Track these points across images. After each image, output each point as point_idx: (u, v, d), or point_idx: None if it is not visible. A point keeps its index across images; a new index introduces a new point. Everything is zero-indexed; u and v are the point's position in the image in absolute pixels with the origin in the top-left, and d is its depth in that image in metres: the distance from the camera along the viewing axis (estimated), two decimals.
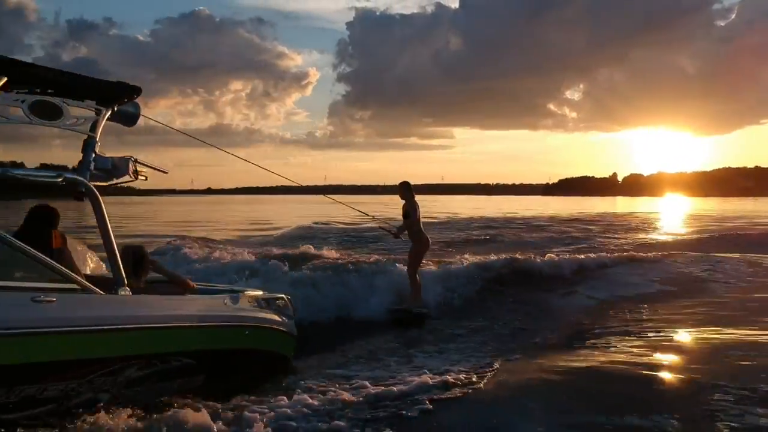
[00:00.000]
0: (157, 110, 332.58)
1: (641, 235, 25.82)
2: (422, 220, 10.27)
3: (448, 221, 34.30)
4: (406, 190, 10.02)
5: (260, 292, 6.47)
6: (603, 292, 11.45)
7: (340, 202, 10.97)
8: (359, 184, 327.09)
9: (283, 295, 6.84)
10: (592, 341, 7.75)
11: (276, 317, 6.48)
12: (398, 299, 10.23)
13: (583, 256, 14.63)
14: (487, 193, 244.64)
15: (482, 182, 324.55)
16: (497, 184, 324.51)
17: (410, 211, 9.92)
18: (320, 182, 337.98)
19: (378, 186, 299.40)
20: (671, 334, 7.85)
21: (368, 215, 11.29)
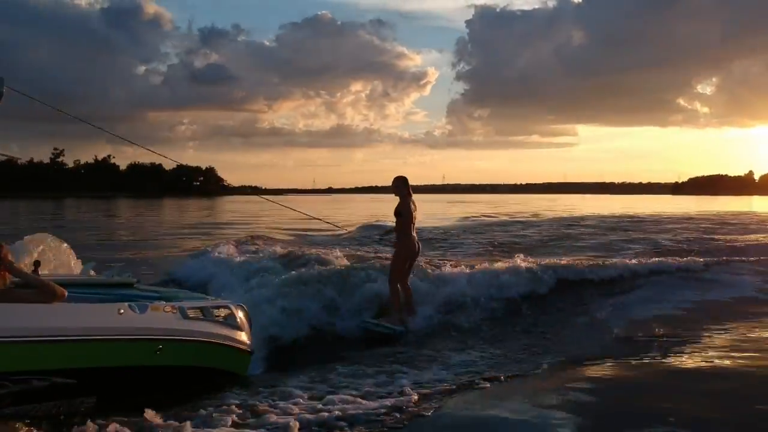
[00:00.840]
0: (281, 112, 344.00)
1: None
2: (417, 225, 8.99)
3: (538, 220, 32.53)
4: (402, 186, 8.80)
5: (196, 301, 5.68)
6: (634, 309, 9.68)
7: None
8: (478, 183, 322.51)
9: (229, 304, 6.01)
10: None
11: (215, 329, 5.67)
12: (380, 312, 8.91)
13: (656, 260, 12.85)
14: (611, 192, 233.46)
15: (606, 181, 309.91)
16: (622, 183, 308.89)
17: (403, 210, 8.73)
18: (438, 182, 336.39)
19: (498, 185, 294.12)
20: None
21: (337, 226, 10.25)
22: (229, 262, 11.49)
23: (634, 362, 6.69)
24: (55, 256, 7.50)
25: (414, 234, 8.85)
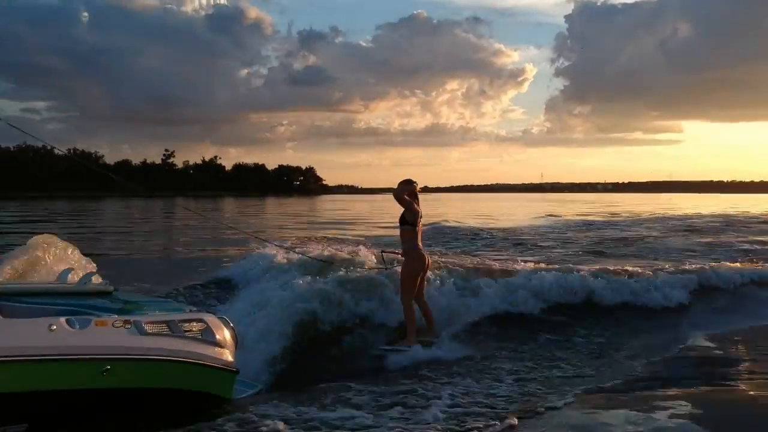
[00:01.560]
0: (377, 112, 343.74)
1: None
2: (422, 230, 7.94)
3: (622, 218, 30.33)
4: (408, 189, 7.62)
5: (159, 315, 5.00)
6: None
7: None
8: (578, 181, 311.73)
9: (204, 317, 5.30)
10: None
11: (183, 346, 4.98)
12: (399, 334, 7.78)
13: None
14: (720, 191, 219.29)
15: (715, 179, 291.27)
16: (732, 182, 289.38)
17: (409, 217, 7.60)
18: (536, 180, 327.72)
19: (599, 184, 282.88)
20: None
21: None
22: (267, 264, 10.91)
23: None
24: (59, 259, 7.11)
25: (421, 245, 7.76)
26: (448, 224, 27.27)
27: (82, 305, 4.90)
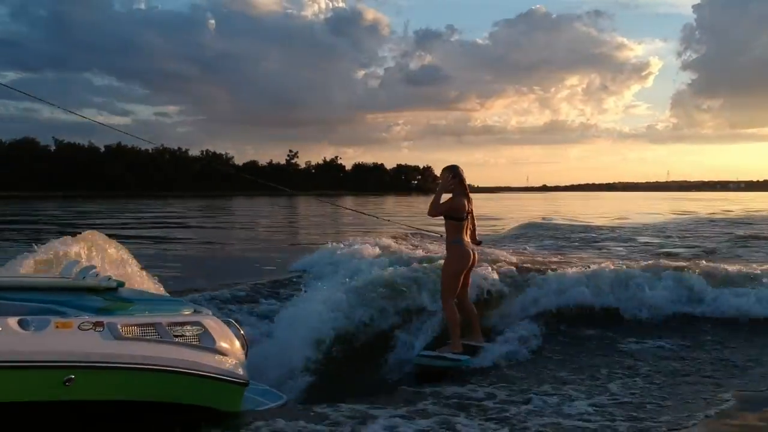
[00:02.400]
0: (493, 110, 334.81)
1: None
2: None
3: None
4: (451, 177, 6.64)
5: (143, 316, 4.27)
6: None
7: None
8: (707, 179, 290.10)
9: (203, 320, 4.52)
10: None
11: (172, 353, 4.23)
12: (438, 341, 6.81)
13: None
14: None
15: None
16: None
17: (453, 208, 6.57)
18: (662, 178, 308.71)
19: (730, 182, 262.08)
20: None
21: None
22: (337, 258, 10.27)
23: None
24: (99, 255, 6.67)
25: (467, 239, 6.71)
26: (553, 221, 25.54)
27: (63, 302, 4.27)
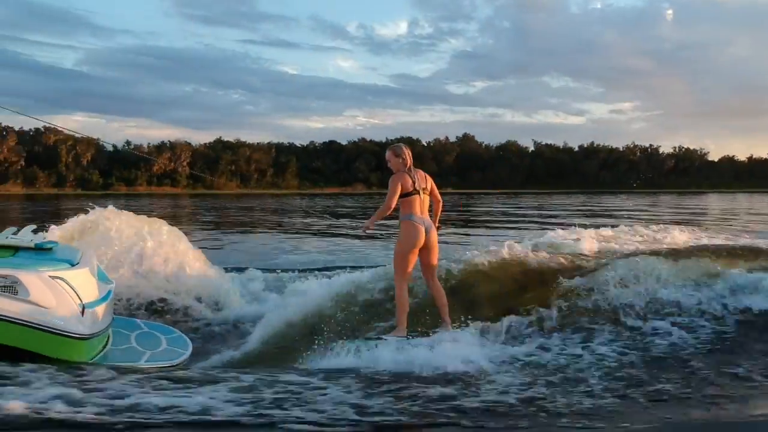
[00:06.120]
0: None
1: None
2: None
3: None
4: (395, 155, 6.16)
5: None
6: None
7: None
8: None
9: (18, 274, 4.89)
10: None
11: None
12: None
13: None
14: None
15: None
16: None
17: (397, 185, 6.06)
18: None
19: None
20: None
21: None
22: None
23: None
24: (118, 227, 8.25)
25: (420, 215, 6.07)
26: None
27: None
